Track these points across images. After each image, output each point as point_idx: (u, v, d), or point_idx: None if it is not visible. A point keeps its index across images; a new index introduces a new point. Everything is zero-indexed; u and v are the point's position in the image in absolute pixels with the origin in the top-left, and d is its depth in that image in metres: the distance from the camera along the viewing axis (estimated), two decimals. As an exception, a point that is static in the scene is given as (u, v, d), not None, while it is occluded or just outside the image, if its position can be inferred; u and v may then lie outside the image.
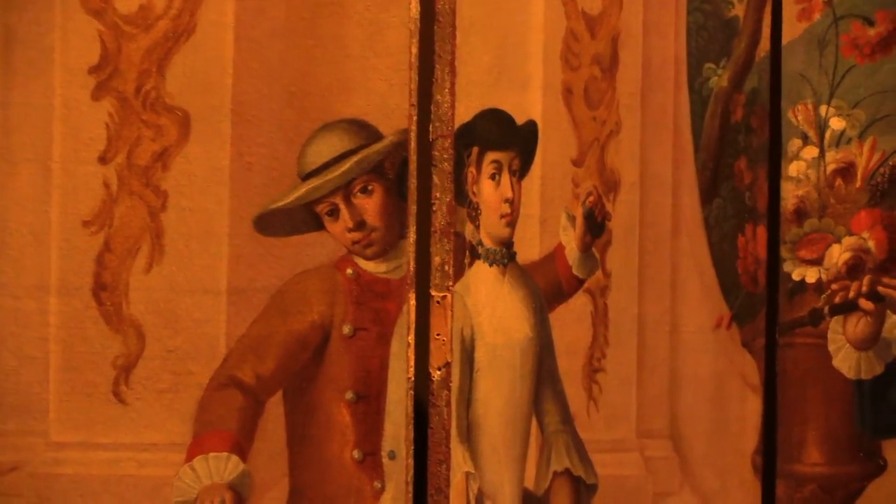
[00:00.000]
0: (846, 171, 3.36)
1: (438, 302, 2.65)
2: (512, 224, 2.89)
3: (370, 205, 2.81)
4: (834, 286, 3.32)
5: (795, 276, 3.36)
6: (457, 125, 2.69)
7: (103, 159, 2.75)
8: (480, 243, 2.87)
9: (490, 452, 2.86)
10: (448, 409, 2.66)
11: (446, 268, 2.66)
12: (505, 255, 2.89)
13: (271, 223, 2.79)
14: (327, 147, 2.79)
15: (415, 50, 2.66)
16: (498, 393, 2.87)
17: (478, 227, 2.86)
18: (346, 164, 2.78)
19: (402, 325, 2.72)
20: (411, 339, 2.64)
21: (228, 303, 2.77)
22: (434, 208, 2.66)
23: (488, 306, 2.87)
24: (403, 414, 2.68)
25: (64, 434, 2.75)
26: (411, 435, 2.65)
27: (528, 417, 2.92)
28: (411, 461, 2.66)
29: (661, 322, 3.18)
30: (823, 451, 3.37)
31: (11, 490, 2.72)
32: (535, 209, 2.96)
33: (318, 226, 2.82)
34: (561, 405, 2.98)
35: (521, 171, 2.90)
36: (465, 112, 2.76)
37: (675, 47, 3.23)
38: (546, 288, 2.98)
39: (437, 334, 2.65)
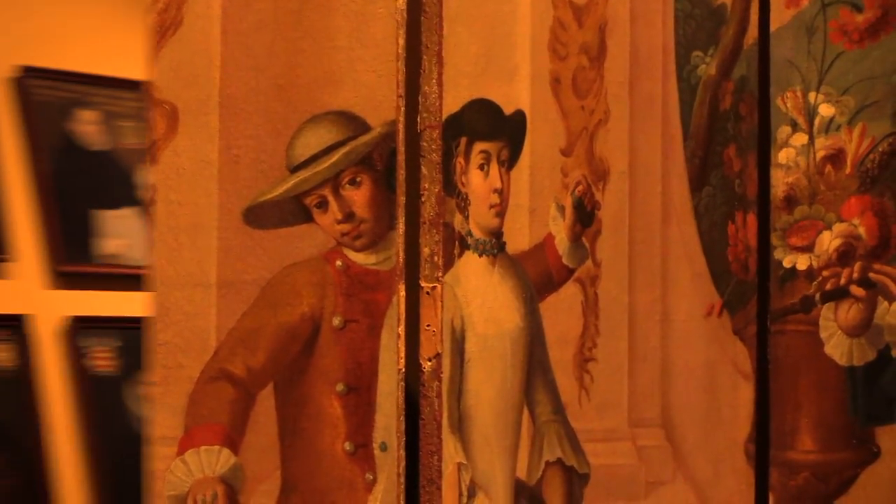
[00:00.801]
0: (836, 157, 3.35)
1: (428, 293, 2.65)
2: (501, 214, 2.89)
3: (359, 196, 2.81)
4: (825, 273, 3.32)
5: (786, 264, 3.36)
6: (444, 116, 2.69)
7: (92, 154, 2.75)
8: (470, 234, 2.87)
9: (482, 443, 2.86)
10: (439, 400, 2.66)
11: (436, 259, 2.66)
12: (494, 246, 2.89)
13: (260, 216, 2.78)
14: (315, 139, 2.79)
15: (402, 41, 2.66)
16: (489, 383, 2.87)
17: (467, 218, 2.85)
18: (335, 156, 2.78)
19: (392, 316, 2.71)
20: (401, 330, 2.64)
21: (218, 296, 2.77)
22: (423, 199, 2.65)
23: (478, 297, 2.87)
24: (394, 405, 2.68)
25: (55, 429, 2.75)
26: (402, 426, 2.65)
27: (519, 407, 2.92)
28: (403, 452, 2.66)
29: (652, 311, 3.18)
30: (816, 439, 3.37)
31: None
32: (524, 199, 2.96)
33: (307, 218, 2.82)
34: (552, 395, 2.98)
35: (510, 162, 2.89)
36: (452, 103, 2.76)
37: (663, 36, 3.23)
38: (536, 278, 2.98)
39: (427, 325, 2.65)
